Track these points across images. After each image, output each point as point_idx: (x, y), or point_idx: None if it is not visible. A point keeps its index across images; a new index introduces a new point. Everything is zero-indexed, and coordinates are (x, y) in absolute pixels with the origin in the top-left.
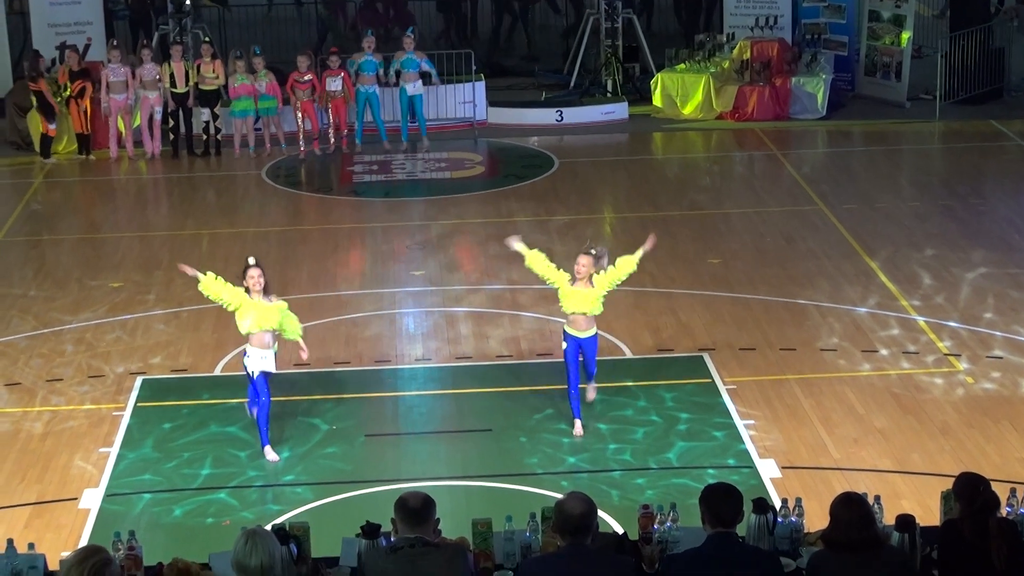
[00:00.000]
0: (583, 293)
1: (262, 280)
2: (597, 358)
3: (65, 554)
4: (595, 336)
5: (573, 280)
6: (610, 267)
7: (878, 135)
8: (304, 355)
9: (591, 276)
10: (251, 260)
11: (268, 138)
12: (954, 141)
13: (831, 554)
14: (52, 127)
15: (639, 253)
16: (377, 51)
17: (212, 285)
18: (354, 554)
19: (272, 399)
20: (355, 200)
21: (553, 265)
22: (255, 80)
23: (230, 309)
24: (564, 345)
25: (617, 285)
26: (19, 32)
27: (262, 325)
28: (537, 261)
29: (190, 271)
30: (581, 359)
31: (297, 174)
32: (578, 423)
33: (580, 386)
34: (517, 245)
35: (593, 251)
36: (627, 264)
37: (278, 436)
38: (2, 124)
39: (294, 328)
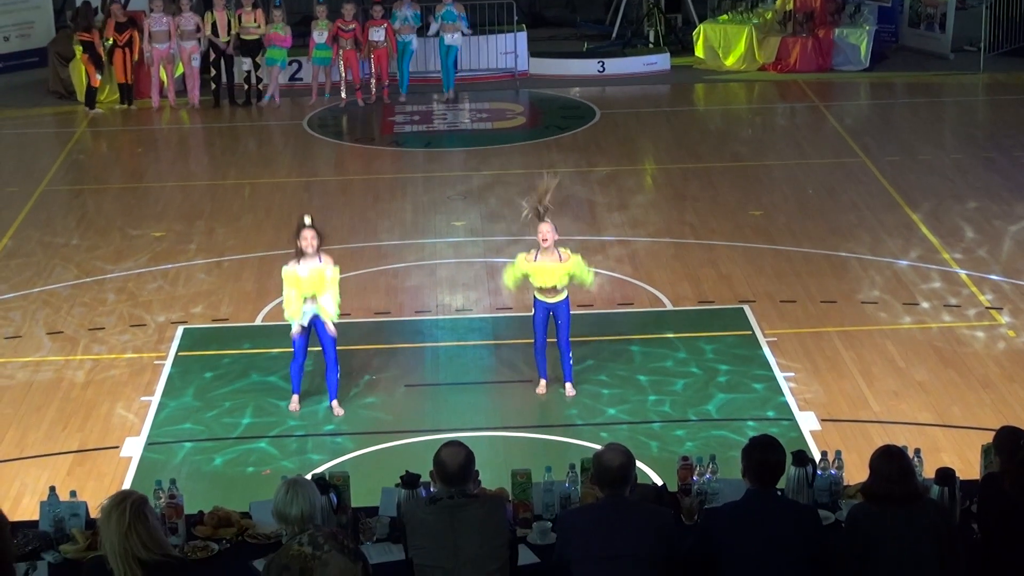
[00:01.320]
0: (551, 268)
1: (315, 242)
2: (640, 309)
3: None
4: (566, 300)
5: (536, 255)
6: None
7: (921, 87)
8: (332, 333)
9: (558, 247)
10: (307, 220)
11: (316, 88)
12: (998, 93)
13: (870, 507)
14: (98, 77)
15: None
16: (415, 2)
17: (293, 308)
18: (393, 504)
19: (311, 349)
20: (396, 150)
21: (510, 266)
22: (316, 29)
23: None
24: (533, 311)
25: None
26: None
27: (315, 290)
28: (507, 275)
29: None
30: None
31: (338, 124)
32: (543, 382)
33: (564, 384)
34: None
35: (544, 215)
36: (587, 277)
37: (318, 386)
38: (45, 74)
39: (327, 305)
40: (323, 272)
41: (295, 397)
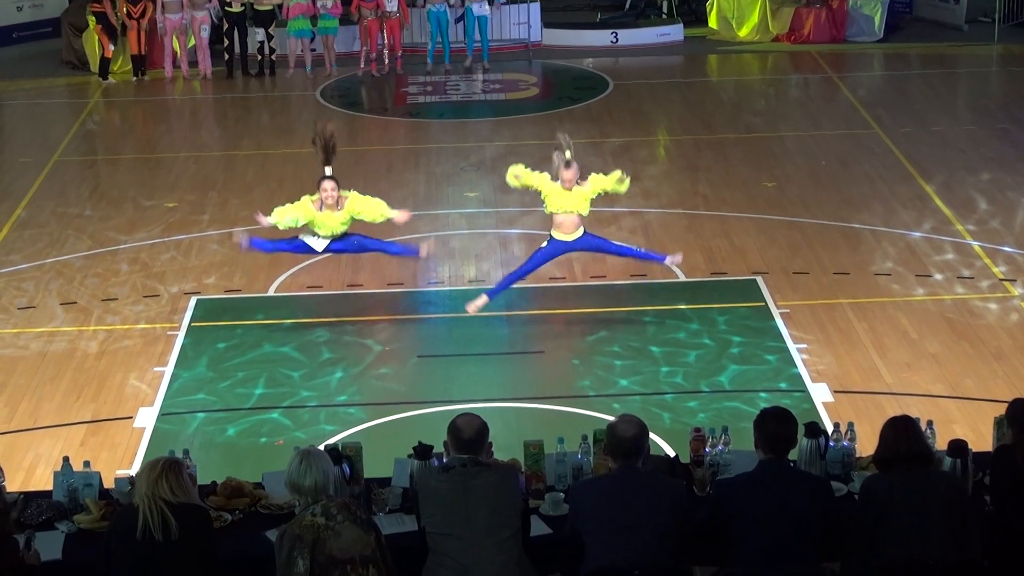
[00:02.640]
0: (571, 193)
1: (335, 193)
2: (653, 281)
3: (120, 472)
4: (586, 235)
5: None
6: (608, 176)
7: (935, 58)
8: (405, 216)
9: (579, 183)
10: (327, 171)
11: (327, 59)
12: (1012, 64)
13: (883, 477)
14: (111, 48)
15: (625, 184)
16: None
17: (282, 217)
18: (406, 474)
19: (324, 320)
20: (410, 121)
21: (523, 170)
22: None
23: (303, 223)
24: (543, 244)
25: (604, 193)
26: None
27: (332, 232)
28: (519, 169)
29: (264, 222)
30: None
31: (352, 95)
32: (484, 297)
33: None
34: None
35: (570, 157)
36: (621, 186)
37: (332, 356)
38: (58, 44)
39: (376, 212)
40: (345, 216)
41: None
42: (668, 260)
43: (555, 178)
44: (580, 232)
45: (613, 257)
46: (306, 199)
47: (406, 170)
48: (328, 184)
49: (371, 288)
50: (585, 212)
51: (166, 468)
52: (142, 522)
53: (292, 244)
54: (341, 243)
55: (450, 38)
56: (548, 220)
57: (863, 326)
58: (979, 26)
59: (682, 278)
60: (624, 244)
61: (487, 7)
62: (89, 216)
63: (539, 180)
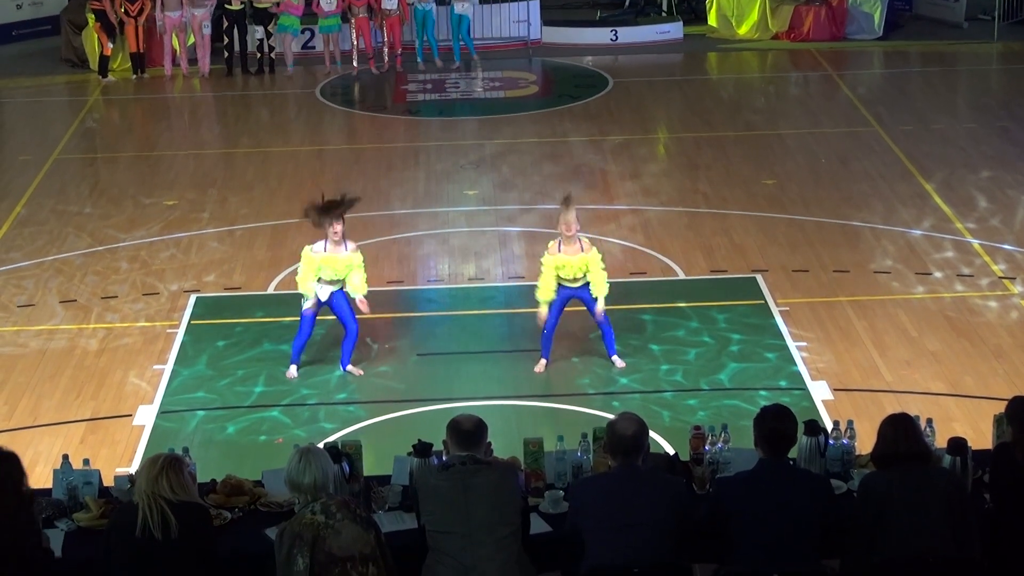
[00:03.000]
0: (577, 260)
1: (341, 229)
2: (652, 279)
3: (120, 470)
4: (587, 285)
5: (559, 245)
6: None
7: (935, 56)
8: (364, 308)
9: (579, 236)
10: (335, 217)
11: (328, 57)
12: (1012, 62)
13: (882, 474)
14: (110, 46)
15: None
16: None
17: (306, 282)
18: (406, 472)
19: (324, 318)
20: (409, 119)
21: (542, 278)
22: None
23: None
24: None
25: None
26: None
27: (331, 276)
28: (544, 289)
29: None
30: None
31: (351, 93)
32: (543, 362)
33: (611, 359)
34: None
35: (570, 205)
36: (600, 284)
37: (330, 354)
38: (57, 41)
39: (357, 286)
40: (350, 261)
41: (293, 367)
42: (616, 360)
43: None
44: (585, 280)
45: (601, 279)
46: (306, 250)
47: (406, 168)
48: (338, 227)
49: (371, 286)
50: (583, 273)
51: (166, 465)
52: (141, 520)
53: (306, 322)
54: (339, 295)
55: (436, 37)
56: (547, 220)
57: (863, 324)
58: (979, 24)
59: (682, 276)
60: (607, 319)
61: (468, 6)
62: (89, 214)
63: (548, 272)
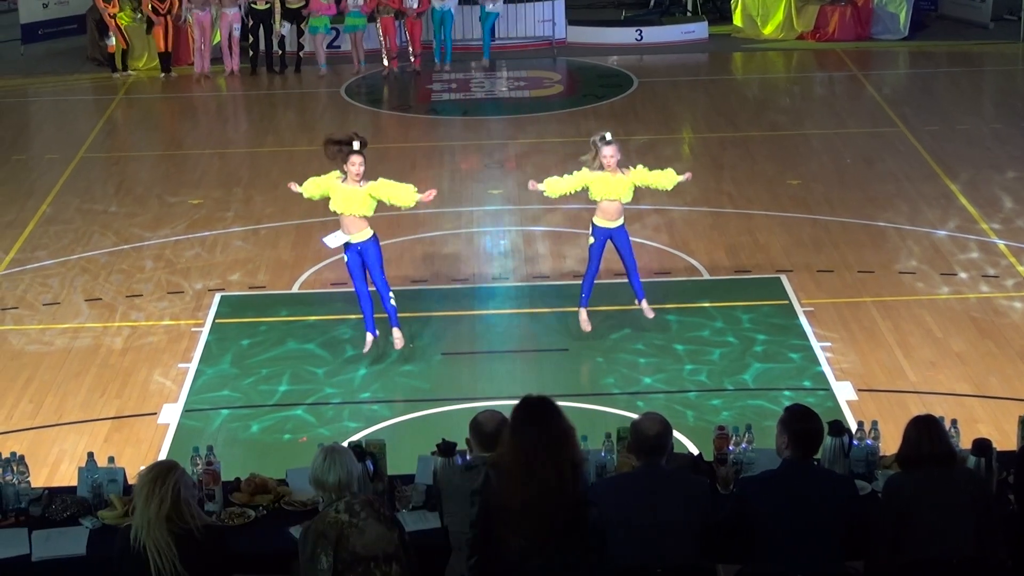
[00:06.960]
0: (616, 179)
1: (362, 168)
2: (677, 279)
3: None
4: (624, 226)
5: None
6: (655, 170)
7: (961, 56)
8: (430, 196)
9: (620, 167)
10: (356, 145)
11: (355, 56)
12: None
13: (907, 475)
14: (110, 43)
15: (680, 178)
16: None
17: (309, 188)
18: (429, 472)
19: (348, 317)
20: (433, 118)
21: (565, 178)
22: None
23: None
24: (591, 240)
25: (646, 186)
26: None
27: (348, 209)
28: (556, 185)
29: (294, 188)
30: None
31: (376, 92)
32: (584, 312)
33: (637, 305)
34: (536, 186)
35: (612, 138)
36: (667, 178)
37: (355, 353)
38: (83, 40)
39: (401, 196)
40: (365, 195)
41: (370, 337)
42: (644, 305)
43: (593, 168)
44: (621, 221)
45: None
46: (334, 173)
47: (430, 167)
48: (357, 158)
49: (395, 285)
50: (628, 199)
51: (164, 499)
52: (155, 570)
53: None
54: (355, 248)
55: (454, 37)
56: (572, 219)
57: (887, 324)
58: (1005, 24)
59: (706, 276)
60: (635, 264)
61: (500, 3)
62: (114, 212)
63: (578, 178)
